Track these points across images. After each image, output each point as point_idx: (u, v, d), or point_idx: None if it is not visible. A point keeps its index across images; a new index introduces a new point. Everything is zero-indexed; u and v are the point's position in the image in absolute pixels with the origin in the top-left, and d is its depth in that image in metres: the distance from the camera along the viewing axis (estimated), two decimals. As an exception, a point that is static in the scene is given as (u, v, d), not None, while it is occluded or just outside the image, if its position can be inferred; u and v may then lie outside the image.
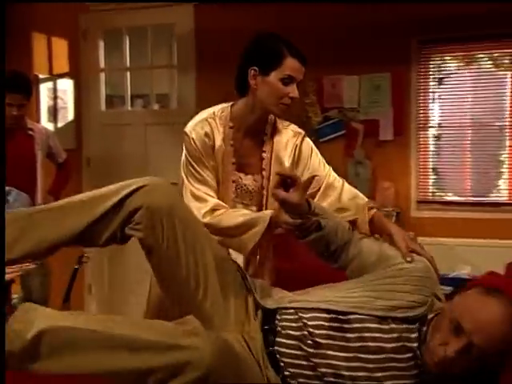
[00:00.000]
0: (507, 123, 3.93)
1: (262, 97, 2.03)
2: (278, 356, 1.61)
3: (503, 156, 3.98)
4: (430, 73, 4.10)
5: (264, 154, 2.15)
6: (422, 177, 4.12)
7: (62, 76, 4.86)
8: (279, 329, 1.64)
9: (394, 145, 4.11)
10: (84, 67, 4.81)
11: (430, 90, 4.10)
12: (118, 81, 4.91)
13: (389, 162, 4.11)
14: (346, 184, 2.17)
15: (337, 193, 2.12)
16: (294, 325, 1.64)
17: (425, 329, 1.59)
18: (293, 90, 2.00)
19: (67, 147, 4.24)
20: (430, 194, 4.14)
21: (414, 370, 1.58)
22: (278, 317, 1.67)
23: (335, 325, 1.62)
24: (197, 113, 4.87)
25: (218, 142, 2.08)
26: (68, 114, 4.86)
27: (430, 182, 4.13)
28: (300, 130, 2.22)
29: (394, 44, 4.04)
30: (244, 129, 2.12)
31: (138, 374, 1.43)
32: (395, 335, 1.59)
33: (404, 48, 4.05)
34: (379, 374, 1.56)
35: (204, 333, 1.51)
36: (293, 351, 1.61)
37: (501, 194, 3.99)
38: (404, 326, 1.61)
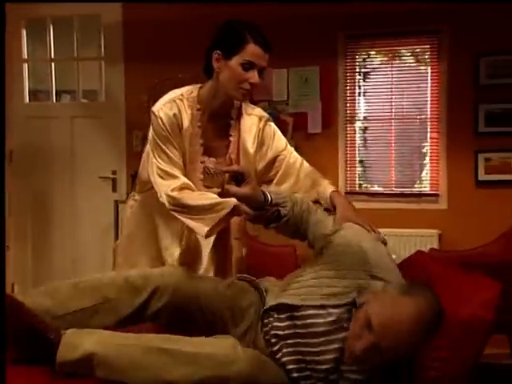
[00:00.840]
0: (429, 116, 4.09)
1: (223, 80, 2.04)
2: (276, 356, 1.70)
3: (426, 148, 4.14)
4: (356, 67, 4.20)
5: (230, 138, 2.17)
6: (349, 169, 4.22)
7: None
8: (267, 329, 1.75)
9: (322, 137, 4.20)
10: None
11: (357, 84, 4.21)
12: (44, 75, 4.77)
13: (318, 155, 4.17)
14: (306, 164, 2.24)
15: (296, 174, 2.18)
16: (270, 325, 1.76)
17: (353, 312, 1.65)
18: (253, 76, 2.01)
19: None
20: (357, 186, 4.25)
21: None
22: (265, 320, 1.77)
23: (288, 315, 1.73)
24: (125, 106, 4.82)
25: (186, 123, 2.08)
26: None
27: (357, 173, 4.25)
28: (265, 114, 2.26)
29: (321, 38, 4.12)
30: (209, 112, 2.13)
31: None
32: (333, 319, 1.66)
33: (331, 42, 4.14)
34: (328, 357, 1.64)
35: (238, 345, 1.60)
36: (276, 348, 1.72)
37: (423, 185, 4.15)
38: (340, 309, 1.68)
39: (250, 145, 2.16)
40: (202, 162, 2.14)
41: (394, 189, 4.19)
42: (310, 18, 4.12)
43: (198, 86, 2.17)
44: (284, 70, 4.20)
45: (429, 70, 4.09)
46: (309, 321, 1.69)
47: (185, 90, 2.15)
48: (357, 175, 4.24)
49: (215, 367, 1.47)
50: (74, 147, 4.64)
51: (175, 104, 2.09)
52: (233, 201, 1.92)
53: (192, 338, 1.62)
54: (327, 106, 4.15)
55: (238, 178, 1.82)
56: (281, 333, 1.72)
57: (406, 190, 4.15)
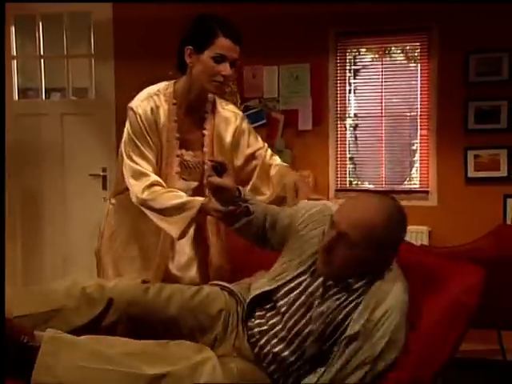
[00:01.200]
0: (419, 113, 4.11)
1: (196, 74, 2.09)
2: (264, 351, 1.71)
3: (416, 145, 4.16)
4: (347, 64, 4.21)
5: (205, 131, 2.21)
6: (339, 166, 4.23)
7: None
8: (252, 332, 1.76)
9: (313, 134, 4.21)
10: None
11: (347, 81, 4.22)
12: (33, 72, 4.74)
13: (308, 152, 4.20)
14: (279, 161, 2.31)
15: (270, 169, 2.26)
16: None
17: None
18: (224, 68, 2.05)
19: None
20: (348, 183, 4.26)
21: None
22: (250, 323, 1.78)
23: (271, 305, 1.76)
24: (115, 103, 4.80)
25: (162, 118, 2.12)
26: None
27: (348, 170, 4.26)
28: (238, 111, 2.32)
29: (312, 35, 4.12)
30: (185, 106, 2.17)
31: None
32: (303, 286, 1.74)
33: (322, 39, 4.14)
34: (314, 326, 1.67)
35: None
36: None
37: (413, 182, 4.17)
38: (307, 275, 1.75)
39: (228, 138, 2.23)
40: (178, 156, 2.17)
41: (384, 186, 4.20)
42: (301, 15, 4.12)
43: (173, 81, 2.21)
44: (275, 67, 4.20)
45: (419, 68, 4.10)
46: (287, 298, 1.72)
47: (161, 85, 2.20)
48: (347, 172, 4.25)
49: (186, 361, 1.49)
50: (64, 145, 4.62)
51: (152, 100, 2.13)
52: (200, 200, 1.99)
53: (176, 355, 1.61)
54: (318, 103, 4.16)
55: (218, 170, 1.86)
56: (265, 327, 1.73)
57: (396, 187, 4.16)
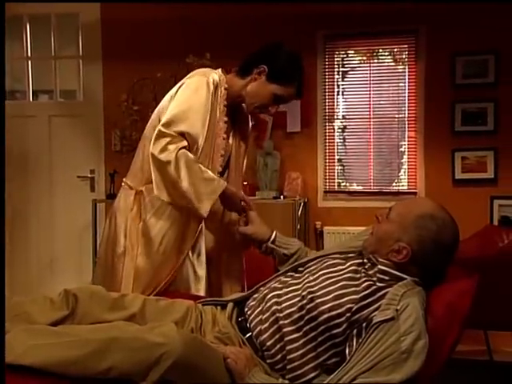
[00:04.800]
0: (407, 115, 4.13)
1: (250, 92, 2.12)
2: (255, 339, 1.67)
3: (404, 147, 4.18)
4: (335, 66, 4.23)
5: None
6: (328, 168, 4.25)
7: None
8: (249, 312, 1.75)
9: (301, 136, 4.22)
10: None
11: (335, 83, 4.23)
12: (21, 74, 4.71)
13: (297, 153, 4.21)
14: None
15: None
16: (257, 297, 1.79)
17: None
18: (274, 108, 2.15)
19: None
20: (336, 184, 4.27)
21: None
22: (247, 305, 1.79)
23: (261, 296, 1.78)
24: (104, 104, 4.74)
25: (219, 98, 2.12)
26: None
27: (336, 172, 4.27)
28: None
29: (300, 37, 4.12)
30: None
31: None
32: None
33: (310, 41, 4.15)
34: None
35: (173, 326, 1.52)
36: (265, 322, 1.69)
37: (402, 184, 4.19)
38: None
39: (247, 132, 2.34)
40: (224, 139, 2.17)
41: (372, 187, 4.22)
42: (289, 17, 4.13)
43: (220, 69, 2.21)
44: (263, 69, 4.20)
45: (406, 70, 4.13)
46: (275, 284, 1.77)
47: (218, 70, 2.20)
48: (336, 174, 4.26)
49: (146, 349, 1.41)
50: (51, 146, 4.60)
51: (217, 75, 2.13)
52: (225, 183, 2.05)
53: (128, 327, 1.56)
54: (306, 105, 4.17)
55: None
56: (258, 318, 1.71)
57: (385, 189, 4.18)
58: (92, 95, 4.51)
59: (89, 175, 4.54)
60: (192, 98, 2.03)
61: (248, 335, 1.70)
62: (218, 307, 1.88)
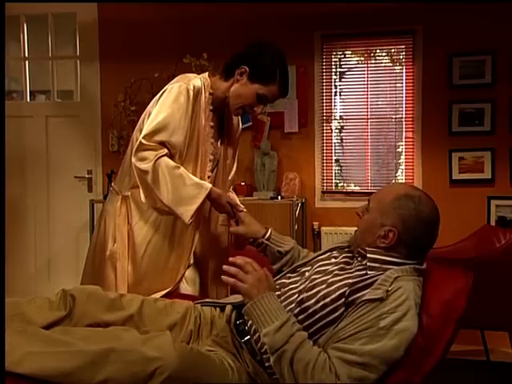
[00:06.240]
0: (404, 115, 4.14)
1: (234, 93, 2.12)
2: (253, 343, 1.67)
3: (401, 147, 4.18)
4: (332, 67, 4.23)
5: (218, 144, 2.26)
6: (325, 168, 4.25)
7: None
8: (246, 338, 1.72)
9: (299, 137, 4.22)
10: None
11: (333, 84, 4.23)
12: (18, 74, 4.70)
13: (294, 154, 4.21)
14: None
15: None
16: None
17: None
18: (259, 108, 2.16)
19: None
20: (334, 185, 4.27)
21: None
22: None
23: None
24: (101, 105, 4.74)
25: (203, 104, 2.13)
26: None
27: (334, 172, 4.27)
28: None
29: (298, 38, 4.13)
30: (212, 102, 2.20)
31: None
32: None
33: (308, 42, 4.16)
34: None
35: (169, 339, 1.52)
36: None
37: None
38: None
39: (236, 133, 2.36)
40: (212, 144, 2.19)
41: (369, 187, 4.22)
42: (287, 17, 4.13)
43: (207, 73, 2.22)
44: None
45: (404, 70, 4.13)
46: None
47: (202, 75, 2.21)
48: (333, 174, 4.27)
49: (142, 362, 1.42)
50: (49, 147, 4.59)
51: (201, 81, 2.14)
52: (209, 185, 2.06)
53: (124, 333, 1.56)
54: (303, 105, 4.17)
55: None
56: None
57: (382, 189, 4.18)
58: (89, 95, 4.51)
59: (86, 175, 4.53)
60: (172, 106, 2.04)
61: (246, 338, 1.70)
62: (217, 309, 1.87)
